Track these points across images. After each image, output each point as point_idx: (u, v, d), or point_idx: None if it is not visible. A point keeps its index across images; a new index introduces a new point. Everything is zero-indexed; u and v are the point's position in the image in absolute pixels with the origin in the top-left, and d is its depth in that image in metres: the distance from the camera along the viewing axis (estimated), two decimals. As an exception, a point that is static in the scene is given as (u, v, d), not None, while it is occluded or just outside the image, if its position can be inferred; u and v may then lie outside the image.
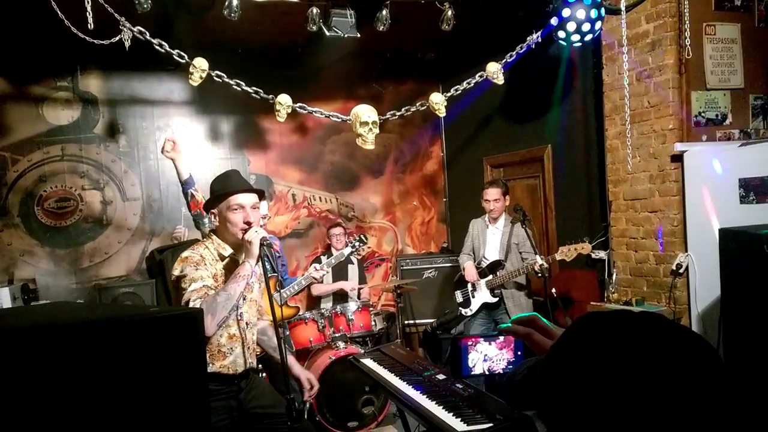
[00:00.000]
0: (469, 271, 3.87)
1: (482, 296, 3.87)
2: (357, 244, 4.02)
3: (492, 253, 3.89)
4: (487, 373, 0.98)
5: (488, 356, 0.98)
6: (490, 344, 0.98)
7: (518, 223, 3.85)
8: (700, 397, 0.52)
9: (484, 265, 3.88)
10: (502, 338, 0.98)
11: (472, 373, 0.99)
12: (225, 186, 2.23)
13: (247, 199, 2.19)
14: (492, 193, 3.81)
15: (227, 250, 2.22)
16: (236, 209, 2.17)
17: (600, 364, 0.55)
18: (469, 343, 0.98)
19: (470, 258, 3.99)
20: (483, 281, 3.84)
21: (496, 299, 3.80)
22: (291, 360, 2.34)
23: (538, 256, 3.51)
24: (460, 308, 4.01)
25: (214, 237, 2.26)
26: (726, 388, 0.54)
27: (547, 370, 0.60)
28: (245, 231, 2.14)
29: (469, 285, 3.93)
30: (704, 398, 0.52)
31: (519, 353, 0.99)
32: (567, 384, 0.57)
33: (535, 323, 0.83)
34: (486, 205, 3.85)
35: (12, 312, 2.27)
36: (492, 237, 3.91)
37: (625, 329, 0.57)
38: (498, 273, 3.78)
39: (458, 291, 4.05)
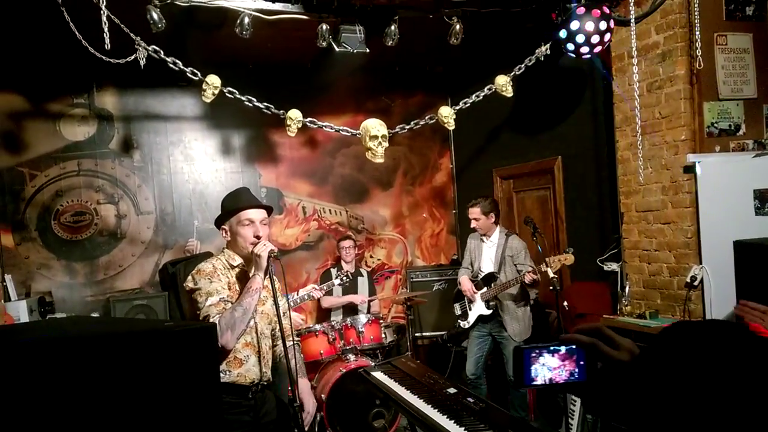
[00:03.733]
0: (465, 285, 4.02)
1: (478, 309, 3.98)
2: (344, 279, 4.38)
3: (487, 265, 4.01)
4: (548, 383, 0.99)
5: (551, 367, 0.98)
6: (552, 355, 0.98)
7: (513, 236, 3.99)
8: None
9: (480, 278, 4.01)
10: (564, 349, 0.98)
11: (534, 383, 1.00)
12: (236, 202, 2.32)
13: (256, 214, 2.28)
14: (472, 212, 3.99)
15: (236, 261, 2.30)
16: (247, 224, 2.26)
17: (700, 374, 0.55)
18: (533, 354, 0.99)
19: (467, 272, 4.13)
20: (478, 294, 3.96)
21: (490, 311, 3.91)
22: (303, 384, 2.37)
23: (528, 268, 3.67)
24: (459, 320, 4.13)
25: (225, 250, 2.34)
26: None
27: (644, 380, 0.61)
28: (254, 245, 2.21)
29: (466, 298, 4.05)
30: None
31: (582, 363, 0.99)
32: (667, 393, 0.57)
33: (601, 332, 0.81)
34: (471, 223, 4.04)
35: (29, 326, 2.31)
36: (487, 250, 4.04)
37: (722, 340, 0.58)
38: (492, 285, 3.89)
39: (456, 304, 4.19)
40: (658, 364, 0.60)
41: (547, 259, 3.53)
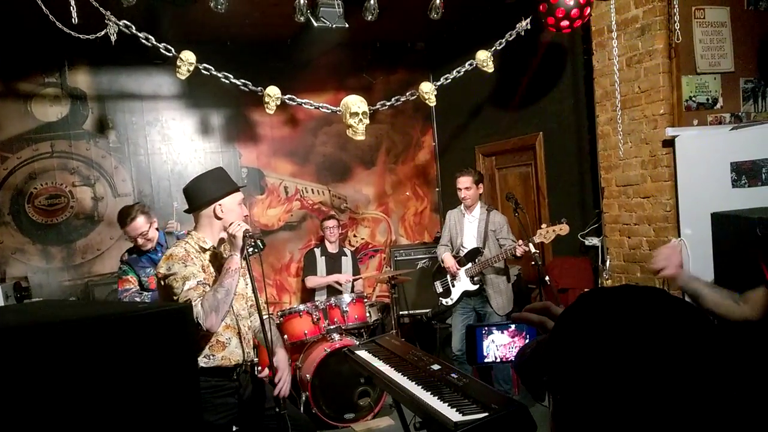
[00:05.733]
0: (448, 261, 3.93)
1: (462, 285, 3.93)
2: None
3: (470, 241, 3.96)
4: (499, 361, 1.00)
5: (500, 344, 0.99)
6: (502, 333, 0.99)
7: (494, 211, 3.98)
8: (696, 367, 0.54)
9: (462, 254, 3.95)
10: (513, 327, 0.99)
11: (486, 360, 1.01)
12: (227, 185, 2.34)
13: (240, 196, 2.37)
14: (463, 182, 3.89)
15: (207, 243, 2.29)
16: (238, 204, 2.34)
17: (601, 334, 0.57)
18: (484, 331, 1.00)
19: (448, 249, 4.06)
20: (462, 269, 3.90)
21: (477, 286, 3.88)
22: (281, 354, 2.36)
23: (519, 241, 3.58)
24: (440, 298, 4.07)
25: (193, 233, 2.32)
26: (723, 361, 0.56)
27: (555, 339, 0.62)
28: (230, 225, 2.23)
29: (449, 275, 3.99)
30: (700, 368, 0.54)
31: None
32: (571, 353, 0.59)
33: (549, 311, 0.83)
34: (459, 194, 3.94)
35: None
36: (469, 225, 3.99)
37: (627, 301, 0.59)
38: (477, 260, 3.85)
39: (437, 282, 4.10)
40: (572, 330, 0.60)
41: (540, 230, 3.50)
